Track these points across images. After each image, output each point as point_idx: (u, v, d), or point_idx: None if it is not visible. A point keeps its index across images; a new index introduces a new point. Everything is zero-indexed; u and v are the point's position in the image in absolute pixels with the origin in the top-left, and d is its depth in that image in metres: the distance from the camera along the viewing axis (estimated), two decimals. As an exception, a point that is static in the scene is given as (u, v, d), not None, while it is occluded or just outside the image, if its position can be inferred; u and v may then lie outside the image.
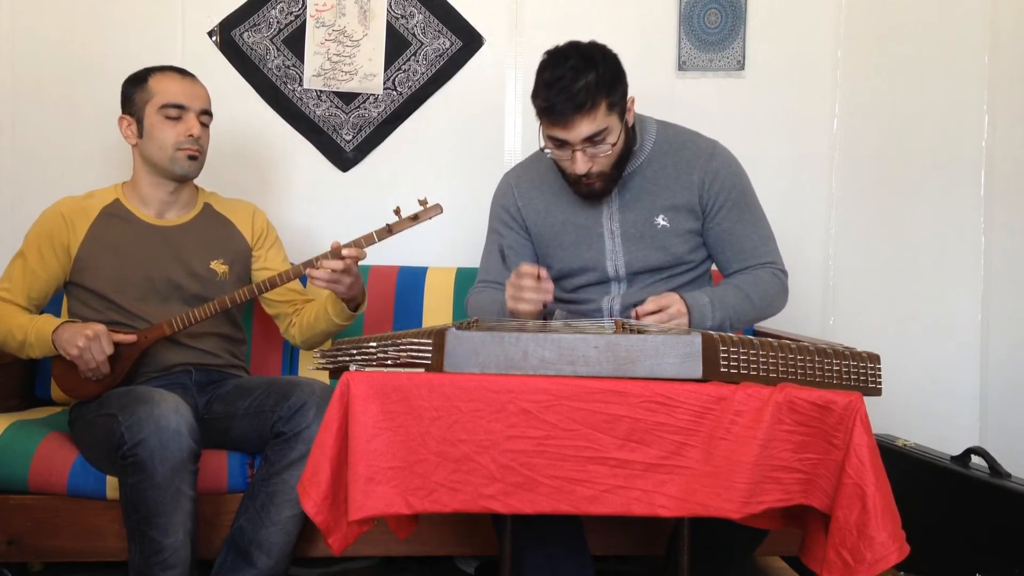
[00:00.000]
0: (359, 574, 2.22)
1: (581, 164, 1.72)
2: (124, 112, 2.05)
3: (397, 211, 1.86)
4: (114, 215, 2.05)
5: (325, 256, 1.88)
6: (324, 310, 2.02)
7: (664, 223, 1.85)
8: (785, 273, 1.89)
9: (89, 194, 2.10)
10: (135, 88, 2.04)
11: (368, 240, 1.89)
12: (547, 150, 1.76)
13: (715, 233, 1.87)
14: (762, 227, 1.89)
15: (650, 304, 1.64)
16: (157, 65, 2.07)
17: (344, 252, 1.86)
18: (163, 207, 2.08)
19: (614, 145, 1.73)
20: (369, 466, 1.30)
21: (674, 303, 1.66)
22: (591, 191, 1.80)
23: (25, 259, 2.01)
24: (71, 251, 2.01)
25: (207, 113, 2.05)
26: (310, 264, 1.90)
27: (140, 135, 2.03)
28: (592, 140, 1.70)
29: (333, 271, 1.86)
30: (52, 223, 2.02)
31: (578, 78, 1.65)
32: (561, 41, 1.74)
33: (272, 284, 1.96)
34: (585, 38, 2.66)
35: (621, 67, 1.74)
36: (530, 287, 1.65)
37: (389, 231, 1.89)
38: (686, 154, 1.87)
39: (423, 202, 1.87)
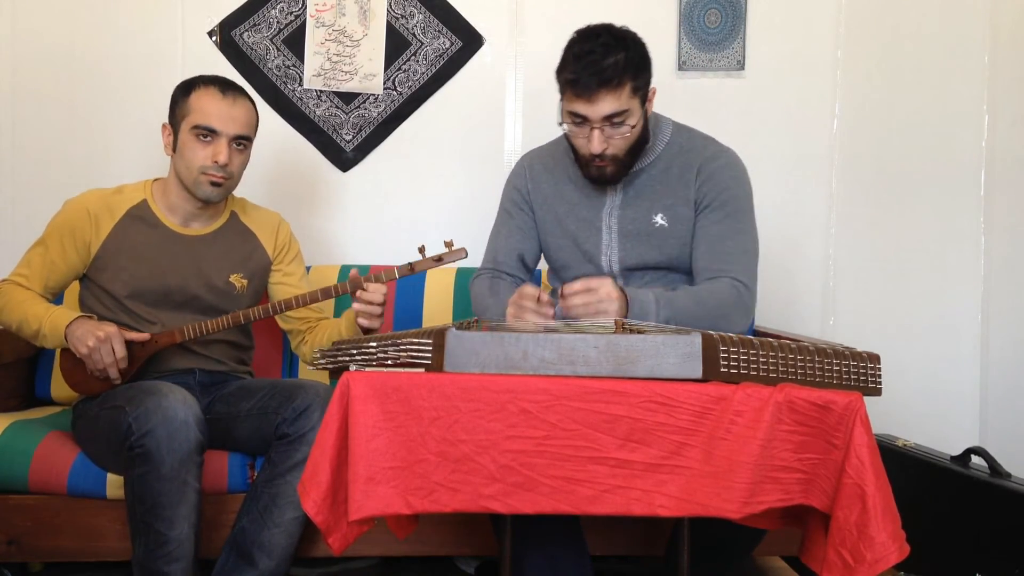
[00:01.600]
0: (359, 574, 2.22)
1: (597, 143, 1.72)
2: (168, 120, 2.01)
3: (421, 250, 1.85)
4: (139, 218, 2.02)
5: (343, 286, 1.87)
6: (337, 331, 2.02)
7: (662, 222, 1.84)
8: (749, 291, 1.79)
9: (118, 189, 2.06)
10: (179, 99, 1.98)
11: (389, 275, 1.88)
12: (565, 125, 1.76)
13: (697, 232, 1.83)
14: (742, 240, 1.82)
15: (578, 283, 1.60)
16: (207, 75, 1.99)
17: (372, 287, 1.86)
18: (189, 216, 2.05)
19: (633, 128, 1.73)
20: (369, 466, 1.30)
21: (604, 287, 1.59)
22: (601, 174, 1.79)
23: (46, 248, 1.99)
24: (92, 249, 1.99)
25: (244, 139, 1.97)
26: (327, 292, 1.90)
27: (175, 148, 1.99)
28: (612, 120, 1.70)
29: (378, 304, 1.87)
30: (76, 217, 1.99)
31: (608, 55, 1.67)
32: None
33: (287, 306, 1.94)
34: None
35: (648, 55, 1.75)
36: (531, 308, 1.63)
37: (411, 269, 1.88)
38: (692, 156, 1.86)
39: (448, 244, 1.85)
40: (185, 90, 1.98)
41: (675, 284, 1.85)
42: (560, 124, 1.77)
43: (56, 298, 2.04)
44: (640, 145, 1.80)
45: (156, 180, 2.09)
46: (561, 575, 1.64)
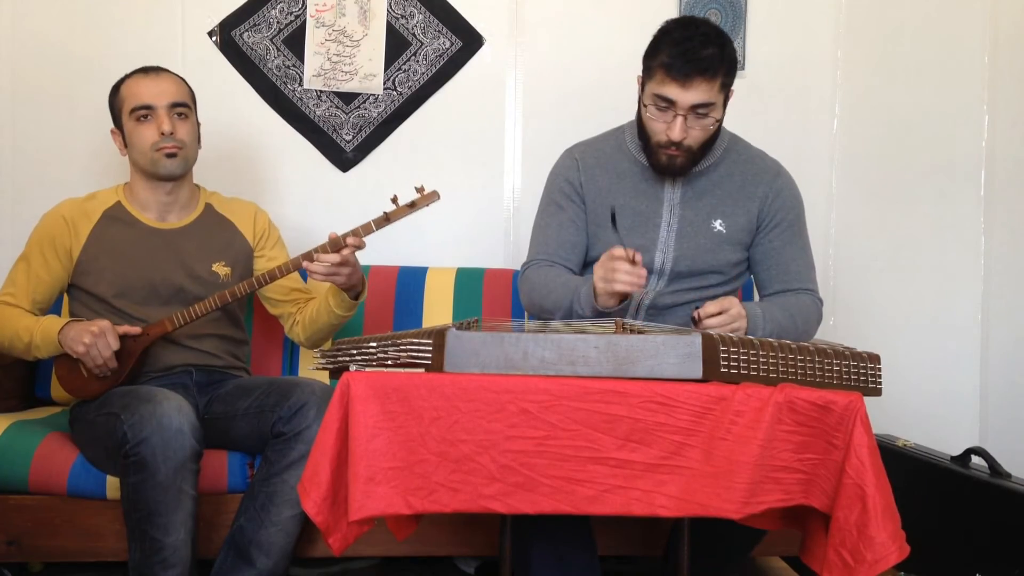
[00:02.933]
0: (359, 574, 2.22)
1: (678, 130, 1.73)
2: (114, 125, 2.06)
3: (394, 199, 1.84)
4: (116, 218, 2.05)
5: (323, 248, 1.86)
6: (325, 302, 2.00)
7: (720, 228, 1.86)
8: (822, 302, 1.91)
9: (91, 196, 2.09)
10: (113, 99, 2.05)
11: (366, 229, 1.87)
12: (647, 109, 1.77)
13: (763, 249, 1.89)
14: (808, 255, 1.92)
15: (712, 306, 1.63)
16: (132, 70, 2.05)
17: (349, 241, 1.84)
18: (163, 210, 2.07)
19: (716, 122, 1.76)
20: (369, 466, 1.30)
21: (735, 306, 1.65)
22: (671, 163, 1.79)
23: (28, 263, 2.01)
24: (73, 254, 2.00)
25: (181, 105, 2.00)
26: (308, 256, 1.89)
27: (126, 144, 2.03)
28: (697, 110, 1.73)
29: (331, 264, 1.84)
30: (54, 226, 2.01)
31: (707, 45, 1.71)
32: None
33: (272, 277, 1.95)
34: (585, 39, 2.68)
35: (737, 57, 1.79)
36: (625, 269, 1.62)
37: (387, 219, 1.87)
38: (753, 168, 1.90)
39: (420, 189, 1.86)
40: (115, 89, 2.05)
41: (712, 296, 1.85)
42: (644, 107, 1.78)
43: (45, 314, 2.04)
44: (711, 143, 1.83)
45: (125, 184, 2.11)
46: (569, 573, 1.63)
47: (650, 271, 1.86)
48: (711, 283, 1.88)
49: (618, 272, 1.62)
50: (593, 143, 1.97)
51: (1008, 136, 2.76)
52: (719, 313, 1.62)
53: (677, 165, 1.80)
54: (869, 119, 2.76)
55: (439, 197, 1.88)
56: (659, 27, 1.79)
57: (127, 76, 2.04)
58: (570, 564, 1.63)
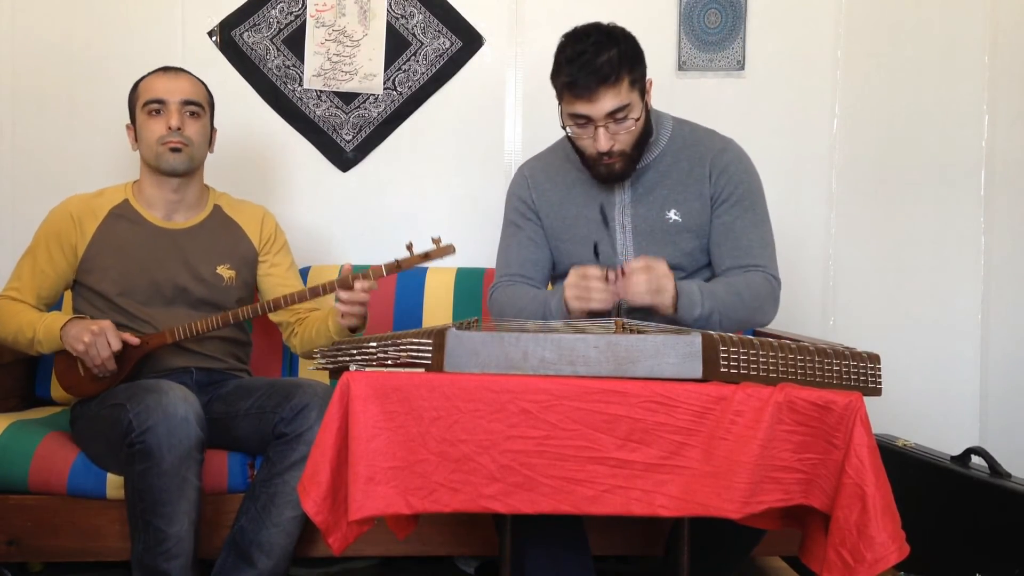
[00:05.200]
0: (359, 574, 2.22)
1: (603, 141, 1.72)
2: (130, 121, 2.07)
3: (409, 247, 1.86)
4: (122, 216, 2.05)
5: (332, 284, 1.88)
6: (325, 326, 2.02)
7: (676, 218, 1.84)
8: (778, 281, 1.84)
9: (99, 192, 2.09)
10: (131, 95, 2.06)
11: (376, 273, 1.88)
12: (568, 129, 1.76)
13: (714, 226, 1.85)
14: (763, 231, 1.85)
15: (639, 261, 1.63)
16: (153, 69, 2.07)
17: (358, 286, 1.86)
18: (170, 209, 2.07)
19: (636, 121, 1.74)
20: (369, 466, 1.30)
21: (662, 265, 1.64)
22: (610, 172, 1.78)
23: (34, 258, 2.01)
24: (78, 252, 2.01)
25: (193, 103, 2.01)
26: (315, 291, 1.91)
27: (137, 139, 2.05)
28: (615, 116, 1.71)
29: (363, 298, 1.88)
30: (60, 222, 2.02)
31: (601, 53, 1.68)
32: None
33: (276, 305, 1.96)
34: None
35: (640, 48, 1.75)
36: (598, 288, 1.63)
37: (398, 266, 1.88)
38: (699, 148, 1.86)
39: (436, 240, 1.86)
40: (134, 86, 2.07)
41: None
42: (563, 128, 1.77)
43: (50, 309, 2.05)
44: (645, 138, 1.80)
45: (134, 181, 2.12)
46: (563, 574, 1.63)
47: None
48: (688, 271, 1.86)
49: (592, 291, 1.64)
50: (542, 157, 1.98)
51: (1008, 136, 2.76)
52: (645, 268, 1.62)
53: (617, 171, 1.78)
54: (869, 119, 2.76)
55: (454, 251, 1.87)
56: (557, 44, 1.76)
57: (149, 74, 2.06)
58: (565, 565, 1.63)
